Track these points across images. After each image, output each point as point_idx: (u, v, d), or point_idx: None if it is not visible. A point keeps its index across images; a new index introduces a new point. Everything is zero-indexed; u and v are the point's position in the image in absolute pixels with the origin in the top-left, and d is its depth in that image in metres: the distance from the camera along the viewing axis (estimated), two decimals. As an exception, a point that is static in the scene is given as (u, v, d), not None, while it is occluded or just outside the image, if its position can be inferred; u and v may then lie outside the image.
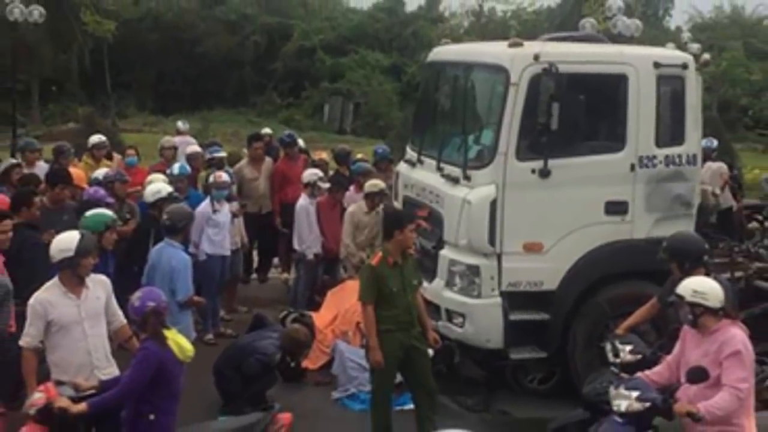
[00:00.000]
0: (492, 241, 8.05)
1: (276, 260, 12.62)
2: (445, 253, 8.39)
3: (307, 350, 9.06)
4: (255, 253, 12.42)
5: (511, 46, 8.35)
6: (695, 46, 22.52)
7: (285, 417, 6.01)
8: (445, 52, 10.21)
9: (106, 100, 34.08)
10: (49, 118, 35.00)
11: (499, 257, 8.09)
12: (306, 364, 9.21)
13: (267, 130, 14.51)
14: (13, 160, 11.70)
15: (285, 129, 18.51)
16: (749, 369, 5.58)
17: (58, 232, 6.64)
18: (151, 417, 5.54)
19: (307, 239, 10.85)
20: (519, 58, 8.05)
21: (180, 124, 17.08)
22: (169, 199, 9.33)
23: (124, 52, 36.58)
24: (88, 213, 8.01)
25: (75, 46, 35.35)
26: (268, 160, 12.22)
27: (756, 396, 5.83)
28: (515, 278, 8.13)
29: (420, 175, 9.25)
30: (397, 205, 9.59)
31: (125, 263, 8.78)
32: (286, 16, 43.14)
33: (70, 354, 6.05)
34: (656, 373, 5.93)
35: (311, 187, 10.95)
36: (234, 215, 10.59)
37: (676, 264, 6.71)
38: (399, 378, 7.55)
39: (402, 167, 9.93)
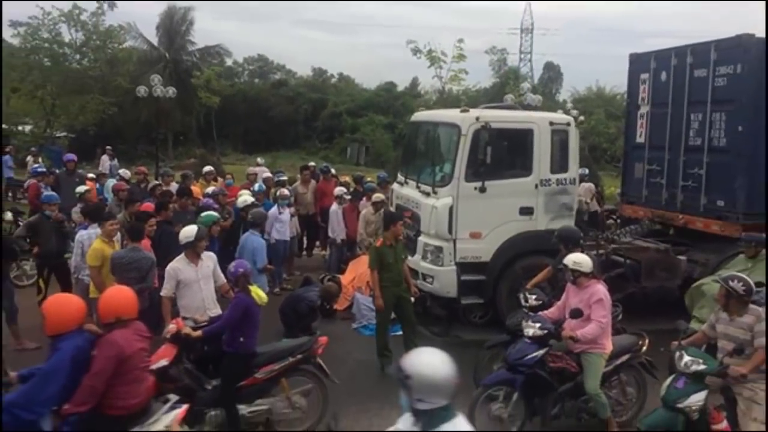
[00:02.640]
0: (450, 231, 8.04)
1: (317, 243, 12.58)
2: (422, 239, 8.37)
3: (337, 298, 9.08)
4: (304, 239, 12.37)
5: (462, 111, 8.35)
6: (575, 112, 22.34)
7: (323, 339, 5.98)
8: (421, 115, 10.21)
9: (213, 145, 33.85)
10: (178, 156, 34.84)
11: (454, 242, 8.08)
12: (336, 307, 9.21)
13: (312, 164, 14.48)
14: (156, 182, 11.74)
15: (323, 163, 18.45)
16: (608, 310, 5.59)
17: (184, 225, 6.64)
18: (241, 339, 5.52)
19: (336, 230, 10.87)
20: (467, 119, 8.05)
21: (259, 159, 17.18)
22: (252, 205, 9.35)
23: (224, 115, 36.44)
24: (203, 214, 8.08)
25: (194, 112, 35.23)
26: (312, 181, 12.17)
27: (612, 326, 5.83)
28: (464, 254, 8.11)
29: (406, 191, 9.22)
30: (392, 209, 9.58)
31: (225, 245, 8.78)
32: (323, 93, 43.29)
33: (191, 301, 6.04)
34: (551, 313, 5.92)
35: (339, 198, 10.98)
36: (292, 215, 10.60)
37: (563, 245, 6.70)
38: (393, 315, 7.55)
39: (395, 186, 9.89)
